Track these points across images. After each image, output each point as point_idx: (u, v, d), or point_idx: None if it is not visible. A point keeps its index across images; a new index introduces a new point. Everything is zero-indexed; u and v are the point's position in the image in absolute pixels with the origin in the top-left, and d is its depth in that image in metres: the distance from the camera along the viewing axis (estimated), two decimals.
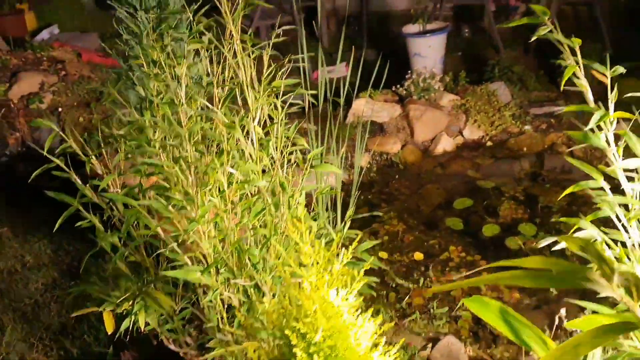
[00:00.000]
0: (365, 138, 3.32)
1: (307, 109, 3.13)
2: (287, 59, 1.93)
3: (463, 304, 2.29)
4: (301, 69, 2.74)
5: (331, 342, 1.01)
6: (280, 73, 1.85)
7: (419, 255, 3.15)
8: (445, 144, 4.09)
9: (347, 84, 3.38)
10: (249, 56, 1.60)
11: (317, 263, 1.04)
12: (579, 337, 0.74)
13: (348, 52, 4.50)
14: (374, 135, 4.18)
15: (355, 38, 6.35)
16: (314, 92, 2.02)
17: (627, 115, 1.22)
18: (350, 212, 2.23)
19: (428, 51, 4.85)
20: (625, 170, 1.25)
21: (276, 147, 1.67)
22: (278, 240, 1.63)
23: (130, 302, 1.82)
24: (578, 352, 0.71)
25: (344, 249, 1.19)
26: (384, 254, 3.17)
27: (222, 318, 1.75)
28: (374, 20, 6.46)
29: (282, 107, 1.78)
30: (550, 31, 1.31)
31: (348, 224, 2.00)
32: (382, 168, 4.04)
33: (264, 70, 1.79)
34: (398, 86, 4.44)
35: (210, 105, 1.49)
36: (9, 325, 2.65)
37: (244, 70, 1.52)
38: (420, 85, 4.31)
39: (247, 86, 1.49)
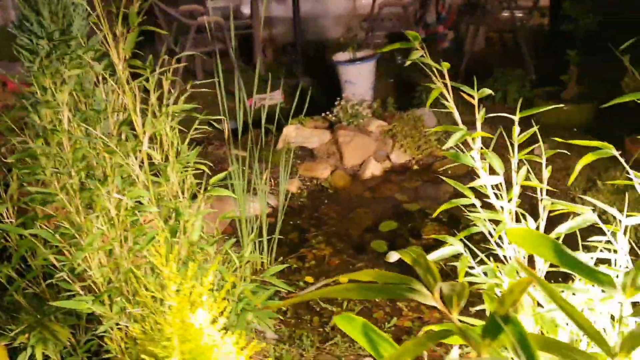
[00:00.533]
0: (290, 163, 3.35)
1: (239, 135, 3.16)
2: (189, 85, 1.95)
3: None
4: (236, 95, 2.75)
5: None
6: (182, 98, 1.86)
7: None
8: (374, 169, 4.15)
9: (278, 110, 3.44)
10: (145, 81, 1.60)
11: (179, 287, 1.03)
12: (405, 346, 0.76)
13: (284, 79, 4.57)
14: (304, 160, 4.21)
15: (291, 65, 6.44)
16: (219, 117, 2.02)
17: (487, 135, 1.28)
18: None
19: (358, 78, 4.95)
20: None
21: (173, 172, 1.66)
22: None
23: (27, 335, 1.77)
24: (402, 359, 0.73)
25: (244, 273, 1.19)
26: (309, 279, 3.18)
27: (122, 348, 1.71)
28: (310, 48, 6.57)
29: (178, 131, 1.79)
30: (422, 55, 1.36)
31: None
32: (312, 193, 4.07)
33: (164, 96, 1.80)
34: (328, 113, 4.51)
35: (95, 132, 1.48)
36: None
37: (131, 96, 1.51)
38: (349, 112, 4.38)
39: (133, 111, 1.49)
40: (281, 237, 3.27)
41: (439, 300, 0.79)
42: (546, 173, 1.31)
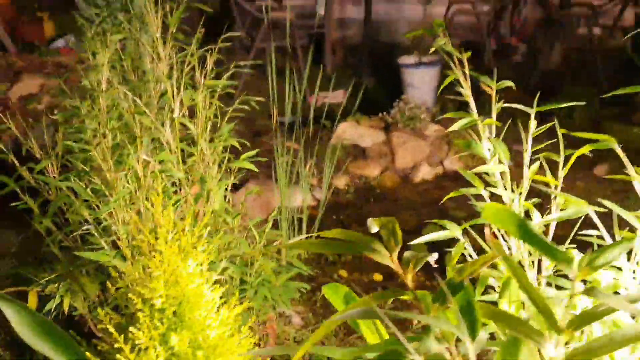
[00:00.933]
0: (336, 157, 3.38)
1: (295, 129, 3.25)
2: (232, 65, 2.02)
3: None
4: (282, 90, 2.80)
5: (180, 309, 1.06)
6: (225, 76, 1.93)
7: (378, 277, 3.16)
8: (425, 173, 4.12)
9: (341, 108, 3.52)
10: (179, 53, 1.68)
11: (171, 234, 1.09)
12: (352, 305, 0.79)
13: (348, 80, 4.64)
14: (355, 158, 4.23)
15: (358, 66, 6.47)
16: (260, 98, 2.08)
17: (496, 123, 1.27)
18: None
19: (421, 82, 4.93)
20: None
21: (204, 141, 1.73)
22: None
23: (57, 285, 1.88)
24: (329, 326, 0.75)
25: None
26: (343, 273, 3.20)
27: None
28: (379, 50, 6.58)
29: (219, 106, 1.86)
30: (444, 43, 1.36)
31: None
32: (359, 191, 4.08)
33: (207, 73, 1.88)
34: (385, 113, 4.51)
35: (128, 93, 1.57)
36: None
37: (166, 64, 1.59)
38: (407, 114, 4.37)
39: (167, 80, 1.57)
40: (322, 229, 3.31)
41: (396, 262, 0.81)
42: (561, 172, 1.29)
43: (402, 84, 5.15)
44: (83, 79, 1.85)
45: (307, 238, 3.30)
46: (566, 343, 0.70)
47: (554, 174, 1.32)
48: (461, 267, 0.81)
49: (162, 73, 1.60)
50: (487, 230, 0.90)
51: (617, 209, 1.01)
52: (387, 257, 0.79)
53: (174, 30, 1.70)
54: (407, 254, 0.84)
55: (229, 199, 1.92)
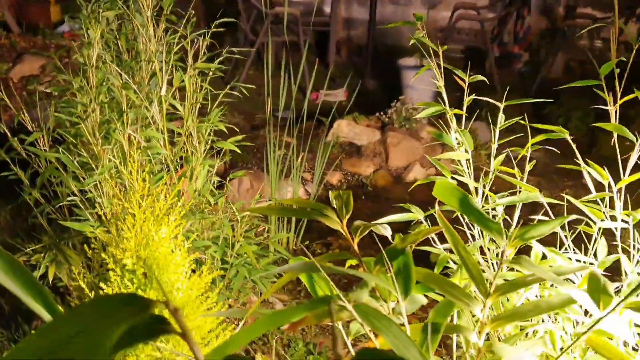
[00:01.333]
0: (328, 152, 3.44)
1: (290, 123, 3.30)
2: (225, 51, 2.08)
3: None
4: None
5: (150, 272, 1.11)
6: (217, 60, 1.99)
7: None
8: (417, 173, 4.17)
9: (339, 106, 3.58)
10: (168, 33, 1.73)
11: (145, 199, 1.14)
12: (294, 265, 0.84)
13: (351, 79, 4.70)
14: (350, 156, 4.29)
15: (361, 66, 6.53)
16: (249, 85, 2.13)
17: (462, 113, 1.32)
18: None
19: (420, 84, 4.98)
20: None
21: (191, 122, 1.78)
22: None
23: (42, 255, 1.93)
24: (280, 283, 0.80)
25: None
26: (329, 264, 3.25)
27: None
28: (382, 51, 6.63)
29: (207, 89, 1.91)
30: (423, 36, 1.41)
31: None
32: (351, 188, 4.13)
33: (199, 56, 1.93)
34: (382, 113, 4.56)
35: (117, 69, 1.62)
36: None
37: (154, 43, 1.65)
38: (403, 115, 4.42)
39: (156, 59, 1.62)
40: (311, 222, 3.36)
41: (345, 228, 0.86)
42: (527, 166, 1.34)
43: (402, 85, 5.21)
44: (76, 55, 1.91)
45: (296, 228, 3.36)
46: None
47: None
48: (405, 236, 0.86)
49: (151, 52, 1.65)
50: (437, 207, 0.95)
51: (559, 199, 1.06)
52: (337, 223, 0.85)
53: (167, 12, 1.76)
54: (356, 223, 0.90)
55: (215, 183, 1.98)
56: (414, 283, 0.76)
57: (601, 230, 1.23)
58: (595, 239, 1.24)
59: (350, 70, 6.50)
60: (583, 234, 1.24)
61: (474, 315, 0.83)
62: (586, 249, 1.27)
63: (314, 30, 6.81)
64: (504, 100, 1.32)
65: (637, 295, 0.84)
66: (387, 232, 0.99)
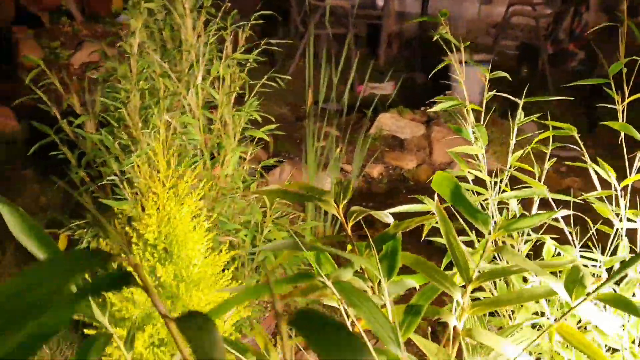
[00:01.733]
0: (368, 145, 3.47)
1: (331, 115, 3.37)
2: (263, 42, 2.14)
3: None
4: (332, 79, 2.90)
5: (171, 248, 1.19)
6: (255, 52, 2.06)
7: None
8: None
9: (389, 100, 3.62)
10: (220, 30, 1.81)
11: (169, 180, 1.22)
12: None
13: (400, 73, 4.72)
14: (392, 149, 4.31)
15: (411, 60, 6.51)
16: (286, 76, 2.19)
17: (478, 108, 1.34)
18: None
19: (467, 80, 4.93)
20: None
21: (225, 111, 1.86)
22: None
23: (85, 230, 2.06)
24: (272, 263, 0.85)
25: None
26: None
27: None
28: (434, 46, 6.59)
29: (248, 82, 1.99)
30: (446, 32, 1.43)
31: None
32: (392, 181, 4.15)
33: (237, 48, 2.01)
34: (428, 107, 4.55)
35: (156, 57, 1.71)
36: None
37: (191, 32, 1.72)
38: (448, 110, 4.40)
39: (190, 45, 1.70)
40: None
41: (340, 213, 0.91)
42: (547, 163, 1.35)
43: (450, 80, 5.17)
44: (121, 43, 2.01)
45: (332, 218, 3.42)
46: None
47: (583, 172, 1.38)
48: (399, 223, 0.90)
49: (190, 42, 1.74)
50: (436, 197, 0.98)
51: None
52: (333, 208, 0.90)
53: (207, 4, 1.83)
54: (352, 208, 0.94)
55: (248, 170, 2.05)
56: (399, 266, 0.80)
57: (618, 231, 1.23)
58: (613, 239, 1.24)
59: (400, 64, 6.50)
60: (597, 234, 1.25)
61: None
62: (603, 249, 1.28)
63: (367, 23, 6.84)
64: (522, 97, 1.33)
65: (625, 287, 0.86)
66: (390, 219, 1.03)
